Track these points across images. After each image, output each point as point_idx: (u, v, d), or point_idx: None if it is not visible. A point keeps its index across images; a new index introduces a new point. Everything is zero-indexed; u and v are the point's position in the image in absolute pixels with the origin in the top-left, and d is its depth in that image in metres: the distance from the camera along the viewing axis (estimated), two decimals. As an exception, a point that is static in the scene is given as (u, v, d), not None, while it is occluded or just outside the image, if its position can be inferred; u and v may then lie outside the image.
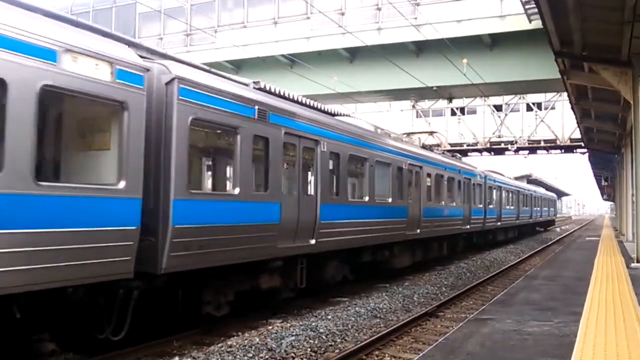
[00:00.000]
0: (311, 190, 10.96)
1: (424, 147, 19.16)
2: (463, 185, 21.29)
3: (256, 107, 9.03)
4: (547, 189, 62.46)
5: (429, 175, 17.37)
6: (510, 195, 32.16)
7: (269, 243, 9.33)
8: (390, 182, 14.36)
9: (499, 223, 28.00)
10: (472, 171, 23.40)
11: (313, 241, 10.69)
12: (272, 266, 9.75)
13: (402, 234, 14.94)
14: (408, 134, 19.33)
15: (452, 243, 21.03)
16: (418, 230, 16.04)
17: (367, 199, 13.01)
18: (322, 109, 12.92)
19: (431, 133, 23.02)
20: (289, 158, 10.40)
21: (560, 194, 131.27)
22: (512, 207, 32.41)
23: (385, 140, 14.62)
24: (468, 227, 21.86)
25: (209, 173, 9.71)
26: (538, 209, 44.49)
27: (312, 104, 12.33)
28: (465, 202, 21.63)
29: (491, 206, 26.42)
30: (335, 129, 11.72)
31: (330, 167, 11.53)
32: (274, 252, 9.52)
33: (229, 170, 9.07)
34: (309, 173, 11.13)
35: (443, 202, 18.74)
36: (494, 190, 27.45)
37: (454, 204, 20.07)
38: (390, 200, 14.25)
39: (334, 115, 13.52)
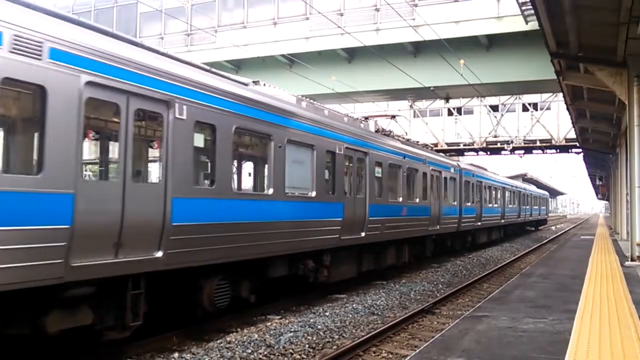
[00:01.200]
0: (154, 177, 7.82)
1: (380, 132, 15.58)
2: (430, 179, 18.08)
3: (10, 30, 5.52)
4: (541, 188, 62.13)
5: (378, 164, 13.93)
6: (494, 192, 28.85)
7: (49, 260, 5.81)
8: (314, 171, 10.90)
9: (479, 223, 24.89)
10: (443, 163, 20.24)
11: (159, 253, 7.18)
12: (71, 295, 6.27)
13: (335, 239, 11.59)
14: (366, 118, 16.13)
15: (416, 247, 17.65)
16: (363, 234, 12.86)
17: (271, 191, 9.57)
18: (207, 69, 8.95)
19: (393, 117, 19.72)
20: (102, 124, 7.23)
21: (555, 193, 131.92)
22: (496, 206, 29.11)
23: (305, 114, 10.90)
24: (437, 227, 18.66)
25: None
26: (527, 207, 40.99)
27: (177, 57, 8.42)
28: (434, 198, 18.43)
29: (469, 204, 23.25)
30: (205, 88, 8.06)
31: (197, 143, 8.01)
32: (64, 273, 5.97)
33: None
34: (150, 151, 7.92)
35: (401, 199, 15.32)
36: (473, 186, 24.30)
37: (417, 200, 16.69)
38: (313, 194, 10.82)
39: (246, 84, 9.86)
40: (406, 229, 15.76)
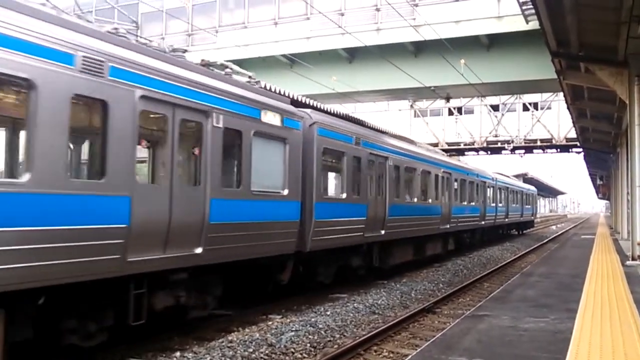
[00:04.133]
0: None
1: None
2: (176, 134, 7.59)
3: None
4: (542, 188, 60.27)
5: None
6: (425, 180, 17.64)
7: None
8: None
9: (380, 232, 13.85)
10: (239, 100, 8.94)
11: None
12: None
13: None
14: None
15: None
16: None
17: None
18: None
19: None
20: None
21: (556, 192, 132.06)
22: (430, 202, 17.90)
23: None
24: (199, 250, 7.84)
25: None
26: (500, 206, 29.84)
27: None
28: (204, 181, 8.12)
29: (343, 196, 12.19)
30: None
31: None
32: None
33: None
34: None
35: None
36: (363, 164, 13.02)
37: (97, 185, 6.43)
38: None
39: None
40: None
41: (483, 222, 25.76)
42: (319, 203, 11.08)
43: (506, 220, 31.98)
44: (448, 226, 19.73)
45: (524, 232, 40.80)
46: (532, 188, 45.17)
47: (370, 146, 13.49)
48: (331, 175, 13.33)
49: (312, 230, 10.78)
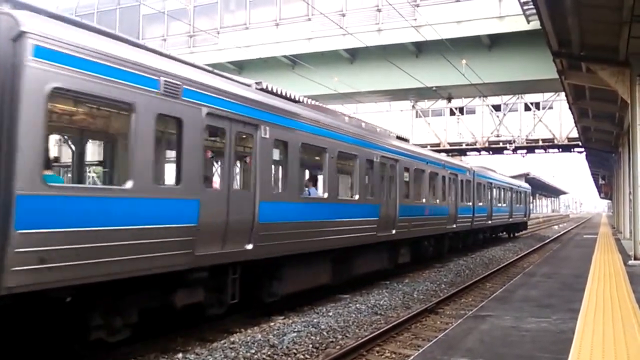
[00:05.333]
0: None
1: None
2: None
3: None
4: (544, 188, 59.40)
5: None
6: (352, 166, 12.72)
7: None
8: None
9: (247, 246, 8.72)
10: None
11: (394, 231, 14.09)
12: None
13: None
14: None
15: None
16: None
17: None
18: None
19: None
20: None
21: (558, 192, 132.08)
22: (374, 199, 13.34)
23: None
24: None
25: None
26: (481, 205, 24.83)
27: None
28: None
29: (123, 185, 6.63)
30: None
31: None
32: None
33: None
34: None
35: None
36: (178, 129, 7.34)
37: None
38: None
39: None
40: None
41: (454, 226, 20.53)
42: (37, 198, 5.56)
43: (489, 222, 26.55)
44: (394, 232, 14.37)
45: (516, 234, 36.00)
46: (525, 185, 40.12)
47: (211, 102, 7.95)
48: (95, 148, 7.78)
49: (9, 254, 5.28)
